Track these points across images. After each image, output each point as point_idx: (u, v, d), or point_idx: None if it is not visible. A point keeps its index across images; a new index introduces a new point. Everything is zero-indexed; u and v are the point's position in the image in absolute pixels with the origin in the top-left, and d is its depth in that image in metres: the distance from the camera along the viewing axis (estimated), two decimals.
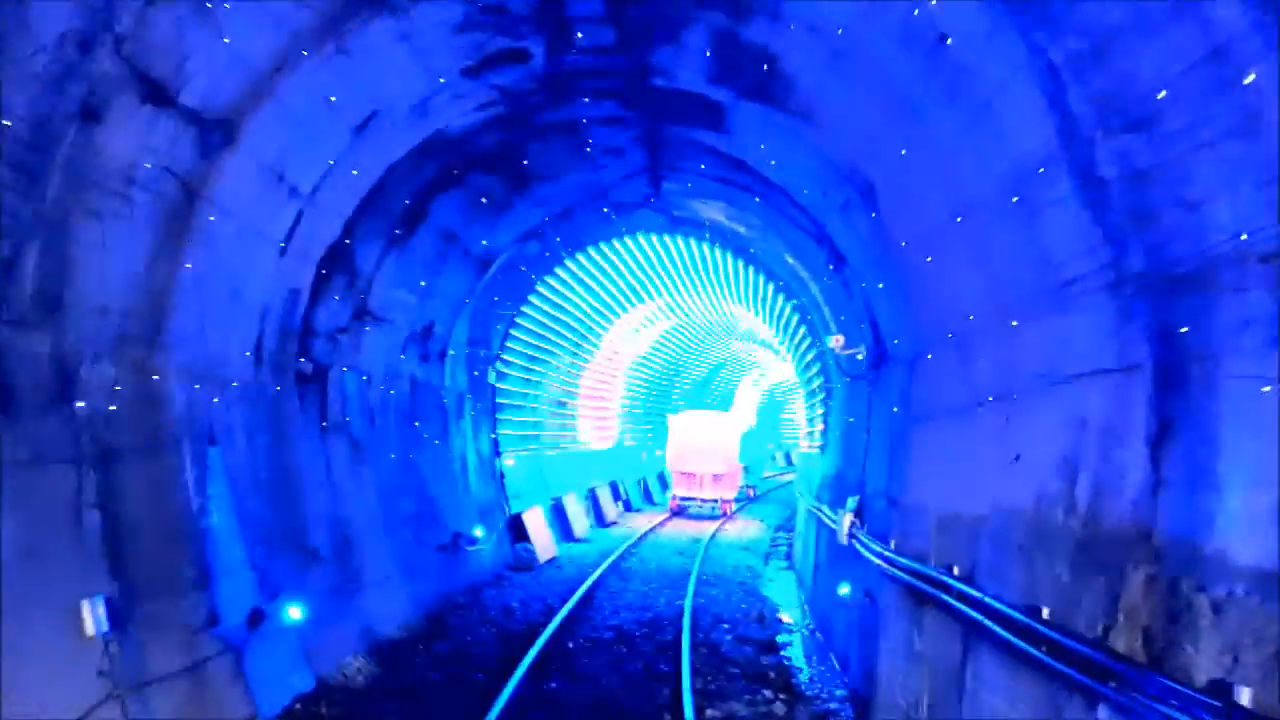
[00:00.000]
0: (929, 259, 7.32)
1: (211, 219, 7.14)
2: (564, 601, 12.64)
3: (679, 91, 9.29)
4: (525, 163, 11.45)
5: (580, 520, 20.82)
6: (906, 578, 7.93)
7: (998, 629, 5.70)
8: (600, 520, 23.19)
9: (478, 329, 15.21)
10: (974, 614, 6.16)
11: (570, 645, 10.54)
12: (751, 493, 33.35)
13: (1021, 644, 5.34)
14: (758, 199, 11.92)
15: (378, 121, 8.63)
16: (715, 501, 26.32)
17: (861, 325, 11.23)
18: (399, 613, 10.89)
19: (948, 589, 6.85)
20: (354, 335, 10.92)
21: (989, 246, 6.27)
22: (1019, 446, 6.09)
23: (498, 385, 16.74)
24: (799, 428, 29.10)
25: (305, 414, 9.65)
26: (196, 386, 7.33)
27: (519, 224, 13.79)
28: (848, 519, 11.08)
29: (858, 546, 10.36)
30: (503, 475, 16.55)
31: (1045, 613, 5.29)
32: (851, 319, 11.63)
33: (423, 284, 12.36)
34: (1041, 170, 5.29)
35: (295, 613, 7.85)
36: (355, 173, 8.87)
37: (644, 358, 29.23)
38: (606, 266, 19.02)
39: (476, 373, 15.55)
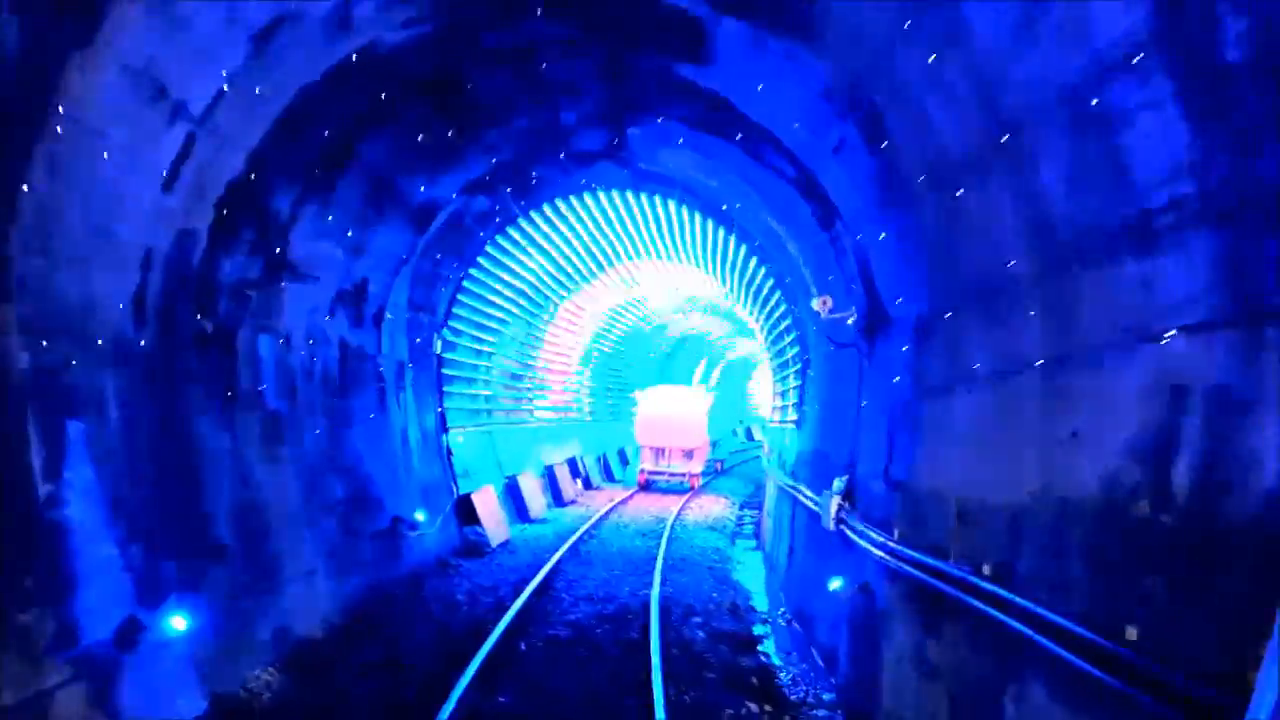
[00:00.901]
0: (957, 193, 6.06)
1: (61, 130, 5.61)
2: (517, 592, 11.33)
3: (648, 4, 7.88)
4: (469, 95, 9.97)
5: (536, 500, 19.50)
6: (917, 574, 6.76)
7: (1058, 649, 4.52)
8: (558, 499, 21.89)
9: (420, 292, 13.72)
10: (1018, 626, 4.98)
11: (523, 647, 9.24)
12: (719, 466, 33.41)
13: (1096, 671, 4.18)
14: (737, 145, 10.58)
15: (285, 30, 7.11)
16: (684, 476, 26.31)
17: (852, 286, 10.01)
18: (324, 611, 9.51)
19: (976, 592, 5.68)
20: (269, 292, 9.41)
21: (1043, 172, 5.01)
22: (1077, 422, 4.89)
23: (444, 355, 15.27)
24: (766, 402, 28.16)
25: (207, 383, 8.15)
26: (46, 344, 5.83)
27: (463, 173, 12.29)
28: (835, 502, 9.93)
29: (849, 534, 9.21)
30: (450, 453, 15.14)
31: (1131, 633, 4.12)
32: (840, 280, 10.39)
33: (352, 236, 10.84)
34: (1135, 58, 4.03)
35: (180, 622, 6.44)
36: (259, 91, 7.34)
37: (604, 330, 27.86)
38: (564, 229, 17.54)
39: (419, 340, 14.07)
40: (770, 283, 15.30)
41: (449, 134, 10.86)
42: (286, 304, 9.85)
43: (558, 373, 25.19)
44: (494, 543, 14.99)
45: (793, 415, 15.66)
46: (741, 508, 24.90)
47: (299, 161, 9.03)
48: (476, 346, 17.44)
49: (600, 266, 21.37)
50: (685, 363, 42.15)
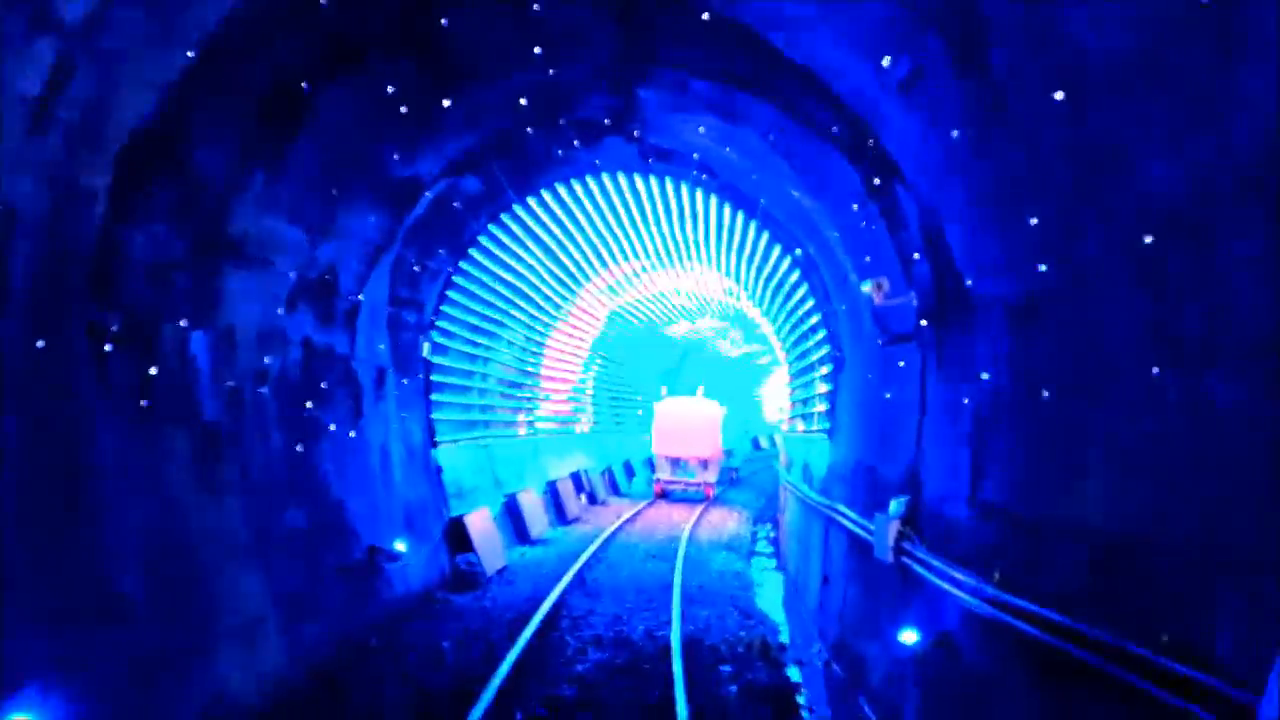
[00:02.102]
0: (1106, 118, 4.33)
1: None
2: (513, 637, 9.57)
3: None
4: (449, 42, 8.27)
5: (538, 519, 17.74)
6: (1039, 635, 5.01)
7: None
8: (562, 517, 20.12)
9: (403, 286, 12.01)
10: None
11: (519, 718, 7.47)
12: (734, 474, 33.75)
13: None
14: (769, 102, 8.90)
15: None
16: (699, 485, 26.59)
17: (912, 267, 8.30)
18: (273, 671, 7.75)
19: (1143, 668, 3.94)
20: (203, 276, 7.70)
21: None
22: None
23: (433, 360, 13.55)
24: (782, 409, 26.58)
25: (113, 390, 6.43)
26: None
27: (448, 144, 10.60)
28: (894, 529, 8.20)
29: (917, 569, 7.49)
30: (440, 470, 13.40)
31: None
32: (893, 261, 8.66)
33: (314, 214, 9.15)
34: None
35: None
36: (167, 6, 5.65)
37: (608, 335, 26.16)
38: (565, 220, 15.84)
39: (403, 342, 12.35)
40: (795, 275, 13.59)
41: (428, 92, 9.16)
42: (229, 293, 8.13)
43: (560, 380, 23.47)
44: (490, 571, 13.22)
45: (820, 423, 13.92)
46: (755, 522, 23.18)
47: (236, 111, 7.33)
48: (470, 351, 15.73)
49: (604, 263, 19.67)
50: (694, 371, 40.41)
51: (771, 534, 21.77)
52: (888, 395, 9.43)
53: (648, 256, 19.78)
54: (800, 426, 17.20)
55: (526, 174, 12.84)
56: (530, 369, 20.28)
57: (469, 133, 10.61)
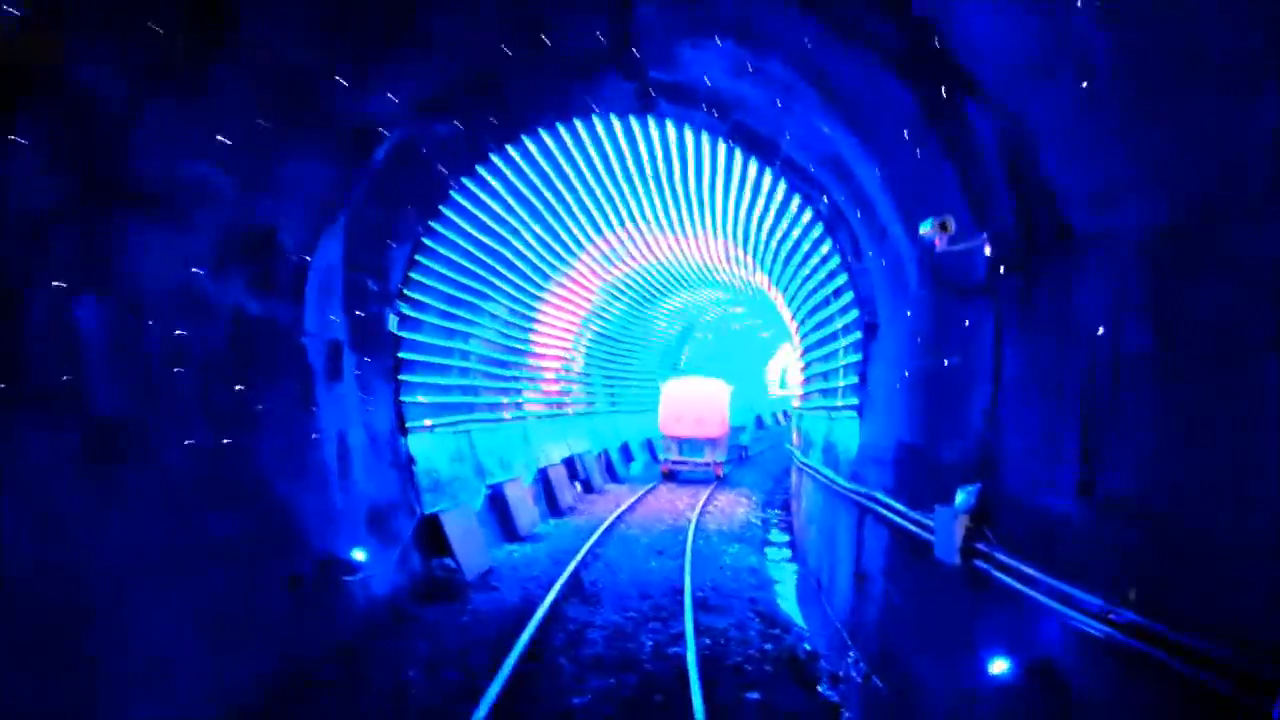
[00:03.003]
0: None
1: None
2: (497, 662, 7.95)
3: None
4: None
5: (527, 512, 16.11)
6: (1208, 678, 3.46)
7: None
8: (554, 508, 18.52)
9: (363, 249, 10.30)
10: None
11: None
12: (744, 453, 34.16)
13: None
14: (810, 8, 7.21)
15: None
16: (708, 465, 26.60)
17: (980, 203, 6.69)
18: (191, 718, 6.14)
19: None
20: (94, 229, 6.01)
21: None
22: None
23: (402, 334, 11.86)
24: (793, 385, 25.19)
25: None
26: None
27: (413, 80, 8.87)
28: (962, 525, 6.63)
29: (1001, 578, 5.95)
30: (412, 461, 11.74)
31: None
32: (953, 198, 7.01)
33: (247, 159, 7.43)
34: None
35: None
36: None
37: (604, 309, 24.45)
38: (553, 176, 14.09)
39: (365, 314, 10.66)
40: (817, 230, 11.91)
41: (385, 13, 7.45)
42: (131, 251, 6.45)
43: (551, 359, 21.79)
44: (471, 575, 11.61)
45: (846, 398, 12.31)
46: (764, 507, 21.63)
47: (132, 21, 5.64)
48: (448, 325, 14.03)
49: (598, 229, 17.95)
50: (696, 349, 38.78)
51: (782, 518, 20.23)
52: (945, 362, 7.80)
53: (645, 221, 18.06)
54: (819, 403, 15.59)
55: (507, 116, 11.09)
56: (518, 346, 18.59)
57: (436, 65, 8.87)
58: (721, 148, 12.10)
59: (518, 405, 18.73)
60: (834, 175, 10.21)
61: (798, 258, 14.18)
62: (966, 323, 7.24)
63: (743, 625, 9.92)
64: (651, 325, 30.39)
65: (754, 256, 18.12)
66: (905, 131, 7.47)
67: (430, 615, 9.85)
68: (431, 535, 11.46)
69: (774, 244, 15.32)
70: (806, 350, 17.89)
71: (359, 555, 8.81)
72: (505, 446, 16.93)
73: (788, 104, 9.51)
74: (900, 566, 8.65)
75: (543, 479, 18.49)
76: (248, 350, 7.95)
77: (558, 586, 11.01)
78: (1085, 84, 4.79)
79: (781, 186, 12.07)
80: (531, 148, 12.48)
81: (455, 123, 10.40)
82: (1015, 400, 6.36)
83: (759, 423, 47.95)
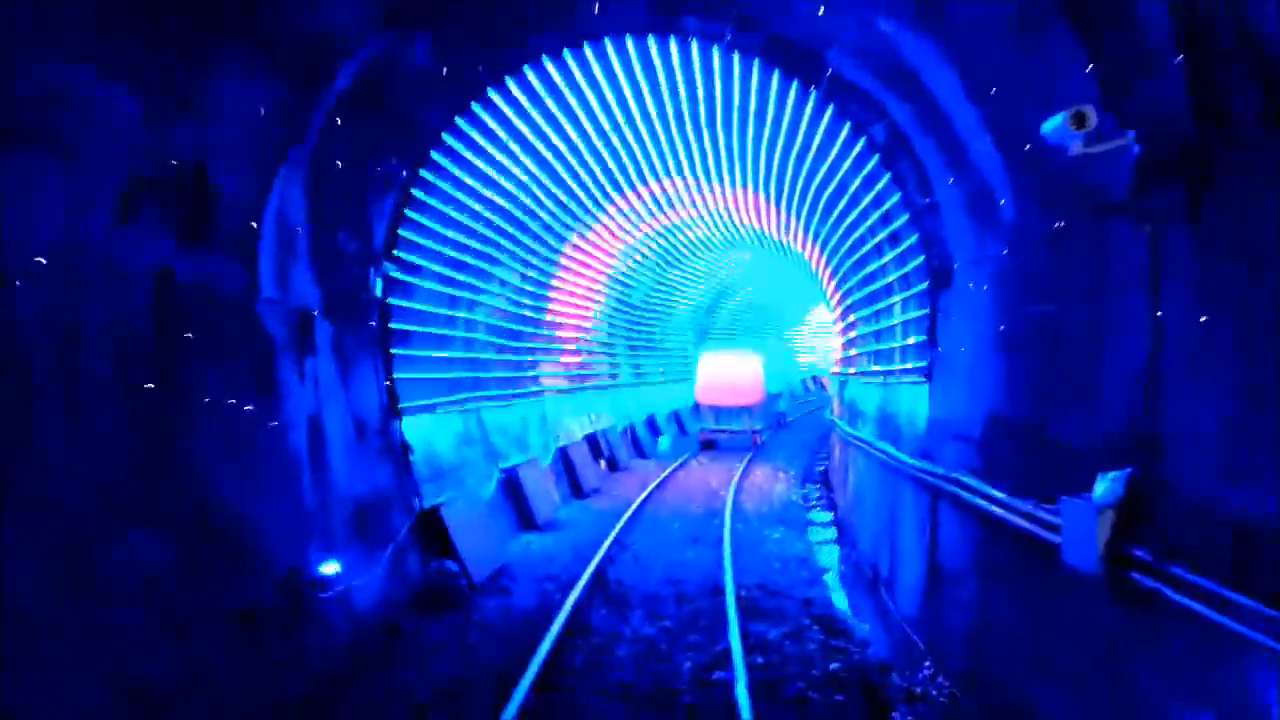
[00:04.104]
0: None
1: None
2: (502, 699, 6.38)
3: None
4: None
5: (546, 497, 14.56)
6: None
7: None
8: (576, 491, 16.96)
9: (335, 199, 8.65)
10: None
11: None
12: (782, 418, 34.41)
13: None
14: None
15: None
16: (746, 433, 26.85)
17: (1122, 92, 4.95)
18: None
19: None
20: None
21: None
22: None
23: (391, 301, 10.24)
24: (826, 350, 23.57)
25: None
26: None
27: None
28: (1105, 524, 4.95)
29: (1176, 598, 4.29)
30: (407, 447, 10.16)
31: None
32: (1079, 91, 5.21)
33: (161, 72, 5.80)
34: None
35: None
36: None
37: (628, 274, 22.72)
38: (562, 115, 12.33)
39: (343, 277, 9.04)
40: (872, 163, 10.07)
41: None
42: None
43: (570, 328, 20.13)
44: (480, 576, 10.06)
45: (910, 359, 10.56)
46: (803, 482, 19.95)
47: None
48: (450, 291, 12.39)
49: (617, 186, 16.18)
50: (727, 317, 36.94)
51: (823, 493, 18.56)
52: (1063, 310, 6.04)
53: (668, 175, 16.27)
54: (869, 367, 13.82)
55: (499, 40, 9.34)
56: (532, 315, 16.94)
57: None
58: (755, 69, 10.26)
59: (534, 379, 17.12)
60: (896, 89, 8.39)
61: (843, 201, 12.36)
62: (1100, 256, 5.46)
63: (799, 635, 8.28)
64: (676, 291, 28.63)
65: (788, 210, 16.29)
66: (1008, 16, 5.67)
67: (428, 631, 8.30)
68: (432, 532, 9.91)
69: (813, 190, 13.50)
70: (850, 309, 16.09)
71: (332, 568, 7.25)
72: (520, 425, 15.34)
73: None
74: (1001, 567, 6.95)
75: (563, 458, 16.92)
76: (180, 322, 6.36)
77: (579, 588, 9.45)
78: None
79: (827, 114, 10.23)
80: (535, 82, 10.72)
81: (435, 47, 8.67)
82: (1183, 358, 4.63)
83: (803, 388, 46.80)
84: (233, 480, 6.72)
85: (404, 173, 9.84)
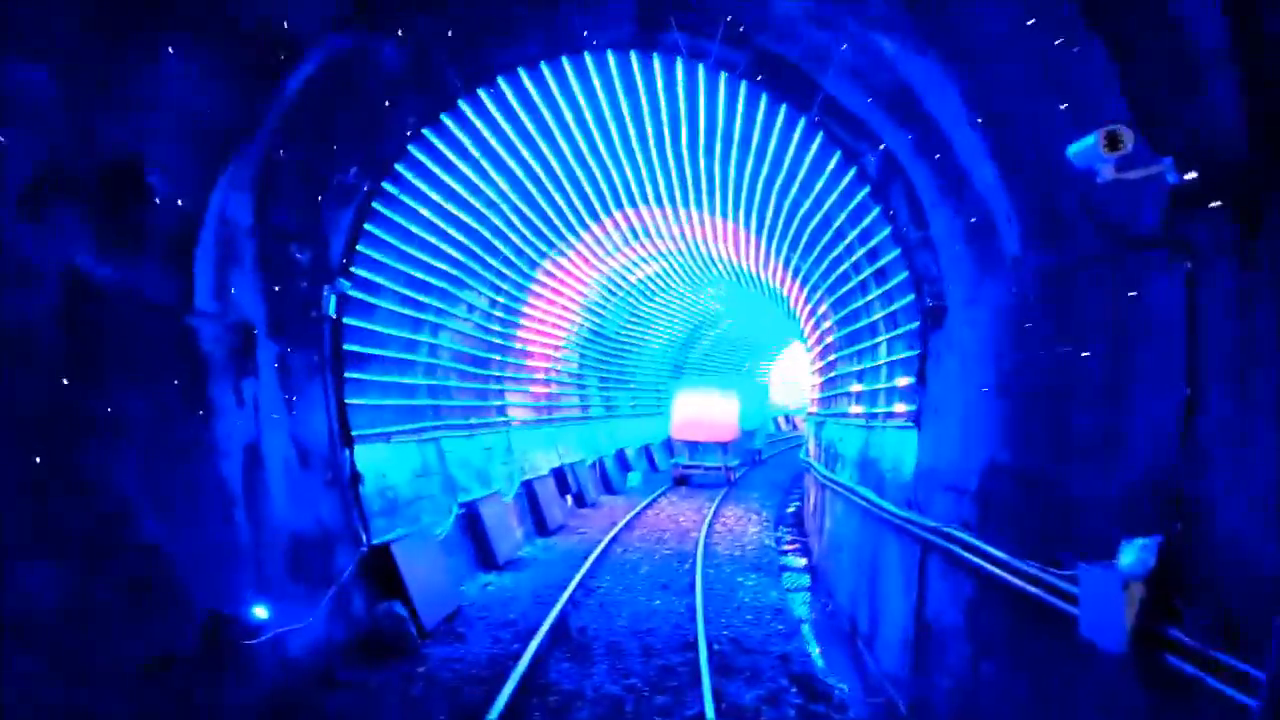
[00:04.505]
0: None
1: None
2: None
3: None
4: None
5: (508, 534, 13.80)
6: None
7: None
8: (541, 527, 16.19)
9: (286, 207, 8.00)
10: None
11: None
12: (757, 456, 34.33)
13: None
14: None
15: None
16: (720, 469, 26.62)
17: (1153, 107, 4.49)
18: None
19: None
20: None
21: None
22: None
23: (347, 321, 9.56)
24: (803, 387, 23.05)
25: None
26: None
27: None
28: (1134, 596, 4.39)
29: (1227, 690, 3.66)
30: (358, 478, 9.41)
31: None
32: (1108, 108, 4.73)
33: (79, 46, 5.16)
34: None
35: None
36: None
37: (600, 304, 22.16)
38: (538, 135, 11.80)
39: (292, 291, 8.35)
40: (862, 193, 9.62)
41: None
42: None
43: (540, 358, 19.48)
44: (432, 621, 9.29)
45: (899, 403, 10.05)
46: (776, 525, 19.31)
47: None
48: (413, 314, 11.72)
49: (593, 212, 15.67)
50: (701, 351, 36.45)
51: (796, 537, 17.94)
52: (1077, 352, 5.51)
53: (646, 202, 15.79)
54: (849, 409, 13.29)
55: (475, 45, 8.79)
56: (500, 343, 16.28)
57: None
58: (742, 92, 9.80)
59: (500, 409, 16.41)
60: (894, 115, 7.93)
61: (828, 235, 11.91)
62: (1124, 295, 4.95)
63: (776, 699, 7.59)
64: (651, 324, 28.12)
65: (768, 244, 15.87)
66: (1030, 19, 5.20)
67: (371, 682, 7.52)
68: (382, 571, 9.14)
69: (796, 222, 13.07)
70: (830, 348, 15.62)
71: (259, 612, 6.48)
72: (484, 457, 14.60)
73: (837, 14, 7.23)
74: (1000, 631, 6.36)
75: (528, 493, 16.17)
76: (94, 329, 5.64)
77: (539, 637, 8.72)
78: None
79: (816, 142, 9.79)
80: (510, 95, 10.19)
81: (406, 49, 8.10)
82: (1229, 407, 4.09)
83: (774, 426, 46.50)
84: (152, 511, 5.96)
85: (365, 184, 9.21)
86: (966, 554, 6.85)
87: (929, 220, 8.34)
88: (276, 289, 7.96)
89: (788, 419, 54.74)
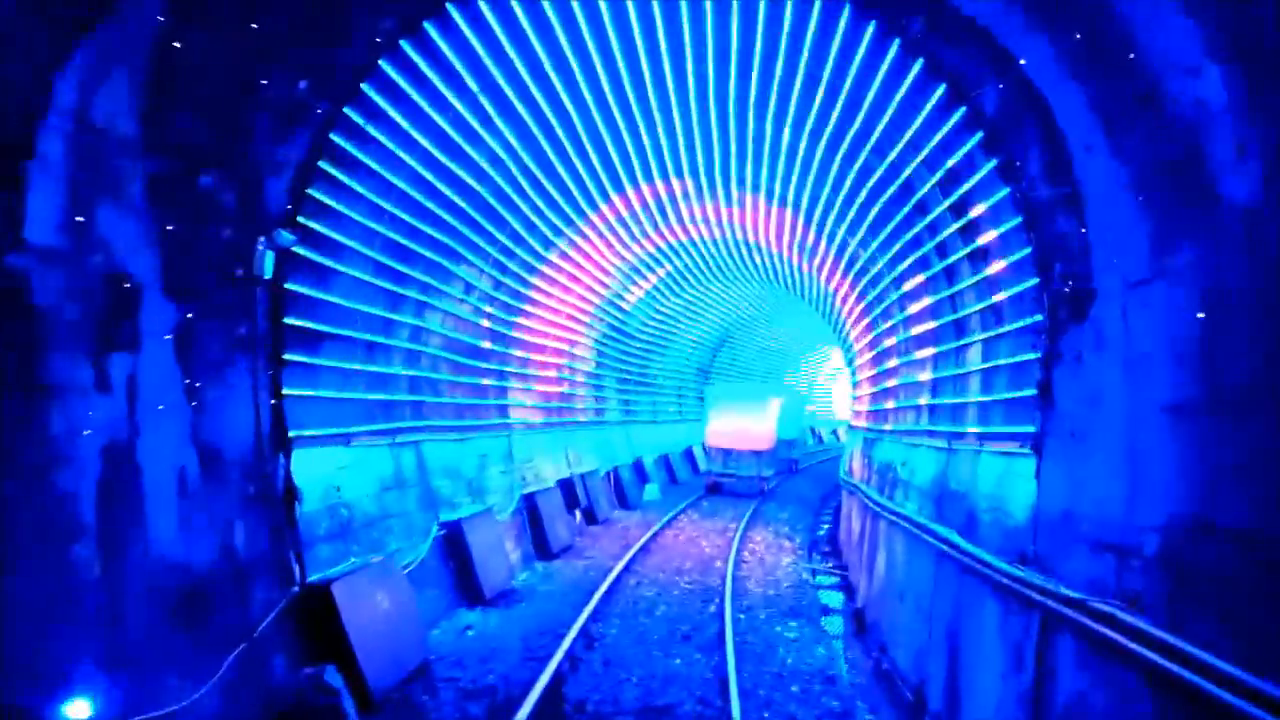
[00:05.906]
0: None
1: None
2: None
3: None
4: None
5: (500, 559, 11.54)
6: None
7: None
8: (543, 549, 13.92)
9: (193, 114, 5.82)
10: None
11: None
12: (794, 465, 33.20)
13: None
14: None
15: None
16: (754, 479, 26.03)
17: None
18: None
19: None
20: None
21: None
22: None
23: (289, 286, 7.36)
24: (841, 399, 20.73)
25: None
26: None
27: None
28: None
29: None
30: (292, 494, 7.19)
31: None
32: None
33: None
34: None
35: None
36: None
37: (619, 295, 19.91)
38: (555, 74, 9.57)
39: (205, 237, 6.16)
40: (971, 142, 7.30)
41: None
42: None
43: (550, 352, 17.25)
44: (381, 686, 7.03)
45: (997, 422, 7.74)
46: (810, 550, 16.94)
47: None
48: (391, 286, 9.52)
49: (617, 181, 13.43)
50: (731, 356, 34.14)
51: (835, 567, 15.57)
52: None
53: (679, 175, 13.55)
54: (915, 425, 10.94)
55: None
56: (505, 331, 14.06)
57: None
58: (817, 9, 7.52)
59: (500, 410, 14.17)
60: (1043, 11, 5.65)
61: (904, 210, 9.61)
62: None
63: None
64: (677, 322, 25.86)
65: (818, 228, 13.59)
66: None
67: None
68: (318, 618, 6.91)
69: (861, 198, 10.79)
70: (889, 352, 13.28)
71: (76, 710, 4.27)
72: (477, 465, 12.36)
73: None
74: None
75: (529, 508, 13.91)
76: None
77: (527, 708, 6.45)
78: None
79: (911, 75, 7.47)
80: (516, 7, 7.96)
81: None
82: None
83: (813, 438, 44.33)
84: None
85: (320, 104, 6.99)
86: (1136, 645, 4.62)
87: (1077, 167, 6.02)
88: (178, 233, 5.76)
89: (813, 430, 52.22)
